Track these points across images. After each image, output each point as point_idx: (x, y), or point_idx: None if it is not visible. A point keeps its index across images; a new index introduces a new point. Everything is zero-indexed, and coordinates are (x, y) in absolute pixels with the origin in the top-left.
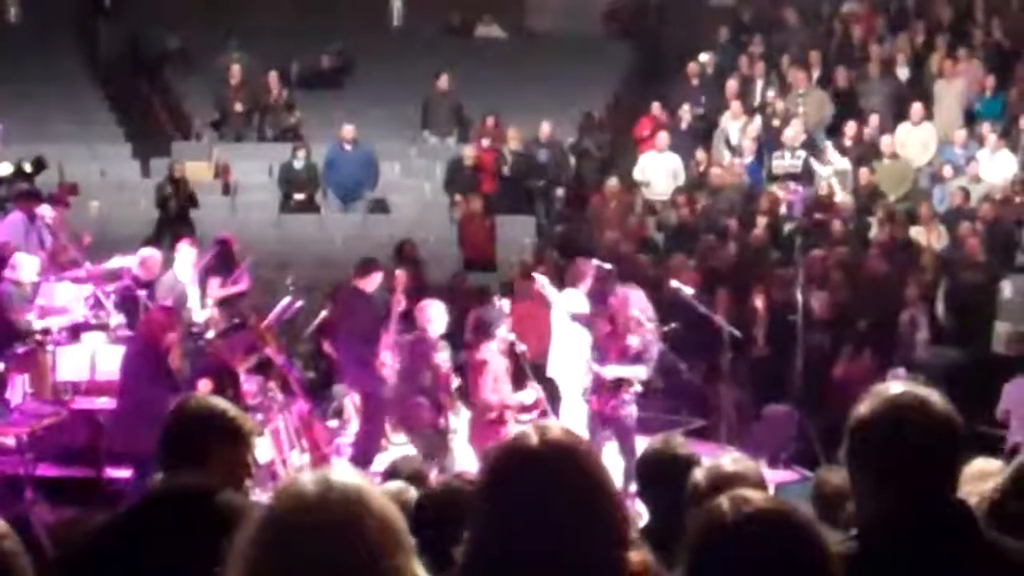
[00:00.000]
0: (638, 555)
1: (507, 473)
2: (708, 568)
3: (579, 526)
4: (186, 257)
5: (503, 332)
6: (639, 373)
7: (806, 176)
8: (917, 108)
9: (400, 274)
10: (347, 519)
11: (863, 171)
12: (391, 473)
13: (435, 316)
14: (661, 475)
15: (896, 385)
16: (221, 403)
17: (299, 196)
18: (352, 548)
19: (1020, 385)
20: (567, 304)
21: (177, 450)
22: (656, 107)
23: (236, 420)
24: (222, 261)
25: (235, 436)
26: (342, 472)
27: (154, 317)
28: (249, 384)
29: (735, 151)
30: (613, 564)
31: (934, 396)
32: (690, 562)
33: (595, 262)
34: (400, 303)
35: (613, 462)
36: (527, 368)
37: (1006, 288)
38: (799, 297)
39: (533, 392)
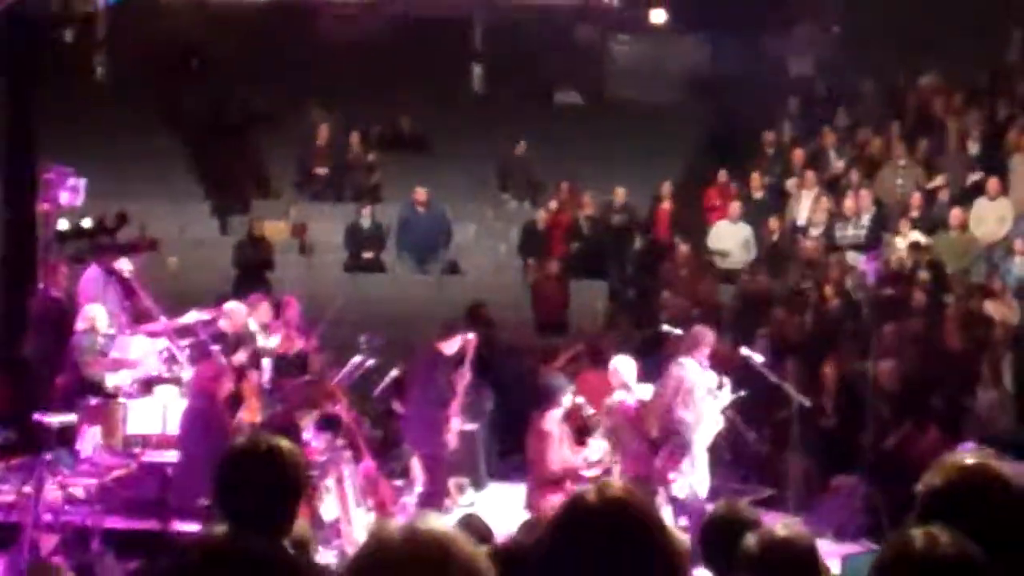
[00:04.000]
0: None
1: (568, 529)
2: None
3: None
4: (263, 315)
5: (567, 400)
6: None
7: (874, 246)
8: (993, 183)
9: (471, 339)
10: (432, 566)
11: (926, 242)
12: (463, 529)
13: None
14: (725, 539)
15: (970, 456)
16: (271, 442)
17: (367, 255)
18: None
19: None
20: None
21: (228, 495)
22: (727, 175)
23: (287, 460)
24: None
25: (286, 475)
26: (428, 520)
27: (204, 370)
28: (317, 441)
29: (809, 221)
30: None
31: (1007, 469)
32: None
33: (665, 328)
34: (466, 374)
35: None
36: (593, 425)
37: None
38: (870, 368)
39: (598, 447)
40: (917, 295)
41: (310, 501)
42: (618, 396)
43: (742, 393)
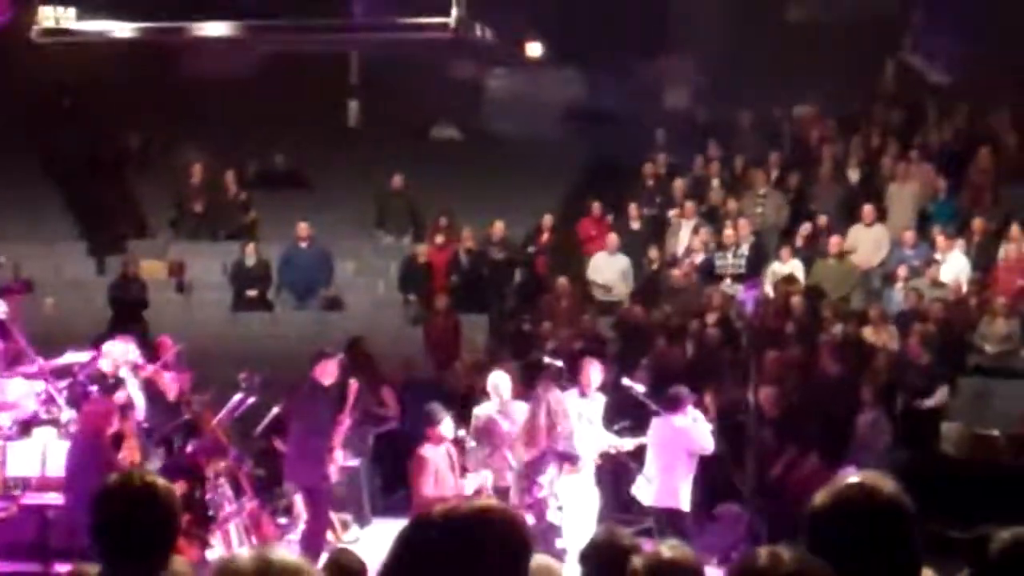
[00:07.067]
0: None
1: (410, 545)
2: None
3: None
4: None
5: (446, 427)
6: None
7: (753, 276)
8: (868, 209)
9: (353, 383)
10: None
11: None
12: (334, 566)
13: None
14: (604, 564)
15: (849, 476)
16: (146, 478)
17: (251, 293)
18: None
19: (663, 423)
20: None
21: (104, 531)
22: (600, 207)
23: (163, 496)
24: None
25: (162, 511)
26: (280, 551)
27: (93, 409)
28: None
29: (686, 251)
30: None
31: (883, 482)
32: None
33: (546, 359)
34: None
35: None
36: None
37: (940, 392)
38: (750, 396)
39: (476, 480)
40: (794, 323)
41: (194, 540)
42: (490, 406)
43: (624, 423)
